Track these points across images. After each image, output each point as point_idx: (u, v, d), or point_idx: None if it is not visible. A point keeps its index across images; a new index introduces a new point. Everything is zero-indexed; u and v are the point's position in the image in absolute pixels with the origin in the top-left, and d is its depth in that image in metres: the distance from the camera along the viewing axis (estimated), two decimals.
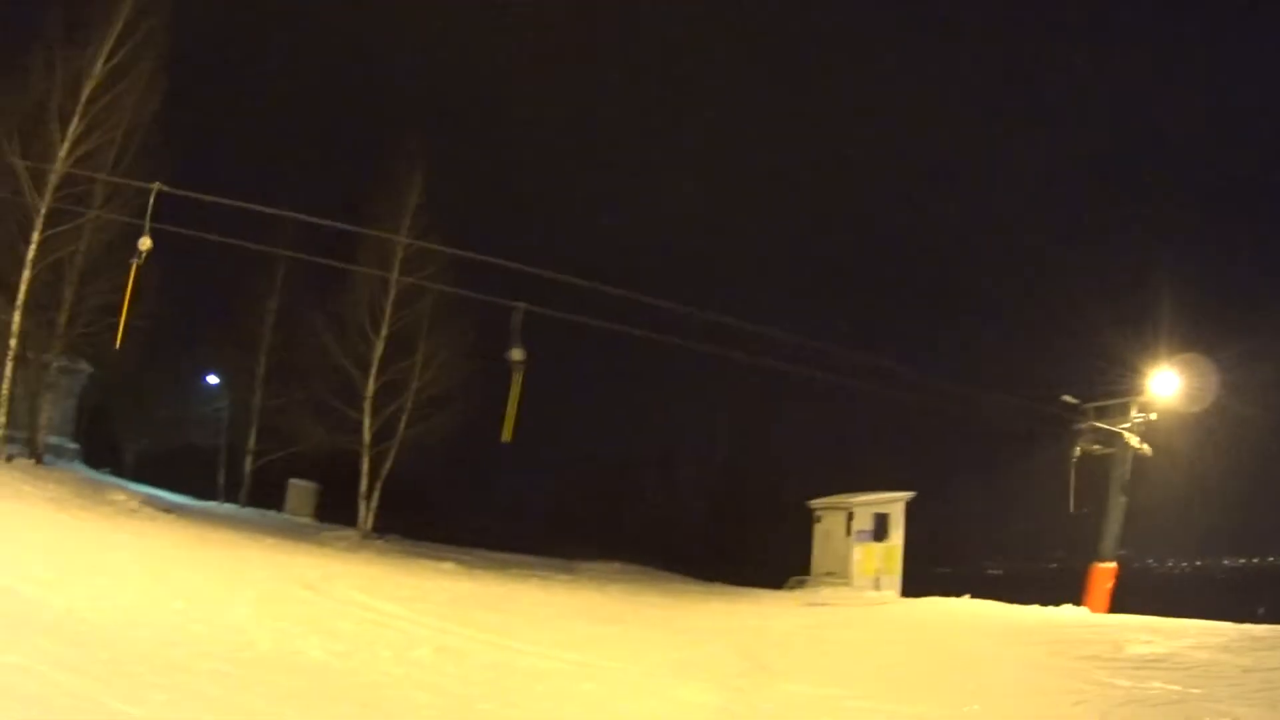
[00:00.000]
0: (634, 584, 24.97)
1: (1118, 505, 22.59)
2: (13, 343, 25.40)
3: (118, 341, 25.07)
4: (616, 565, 30.79)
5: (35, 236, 25.61)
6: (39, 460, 26.46)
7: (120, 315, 27.77)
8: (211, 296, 40.44)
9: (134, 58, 26.33)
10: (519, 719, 8.49)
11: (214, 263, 34.31)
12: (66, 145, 25.76)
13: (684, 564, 32.75)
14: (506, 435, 20.70)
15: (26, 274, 25.53)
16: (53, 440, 29.28)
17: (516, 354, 20.60)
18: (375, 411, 31.09)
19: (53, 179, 25.70)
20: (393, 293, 30.59)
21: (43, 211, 25.64)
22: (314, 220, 24.82)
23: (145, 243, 25.17)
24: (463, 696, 8.81)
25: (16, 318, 25.37)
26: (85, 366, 32.59)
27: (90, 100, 25.92)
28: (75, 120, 25.80)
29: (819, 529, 29.12)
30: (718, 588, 26.80)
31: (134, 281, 22.88)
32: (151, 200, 21.05)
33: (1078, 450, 23.44)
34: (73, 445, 32.88)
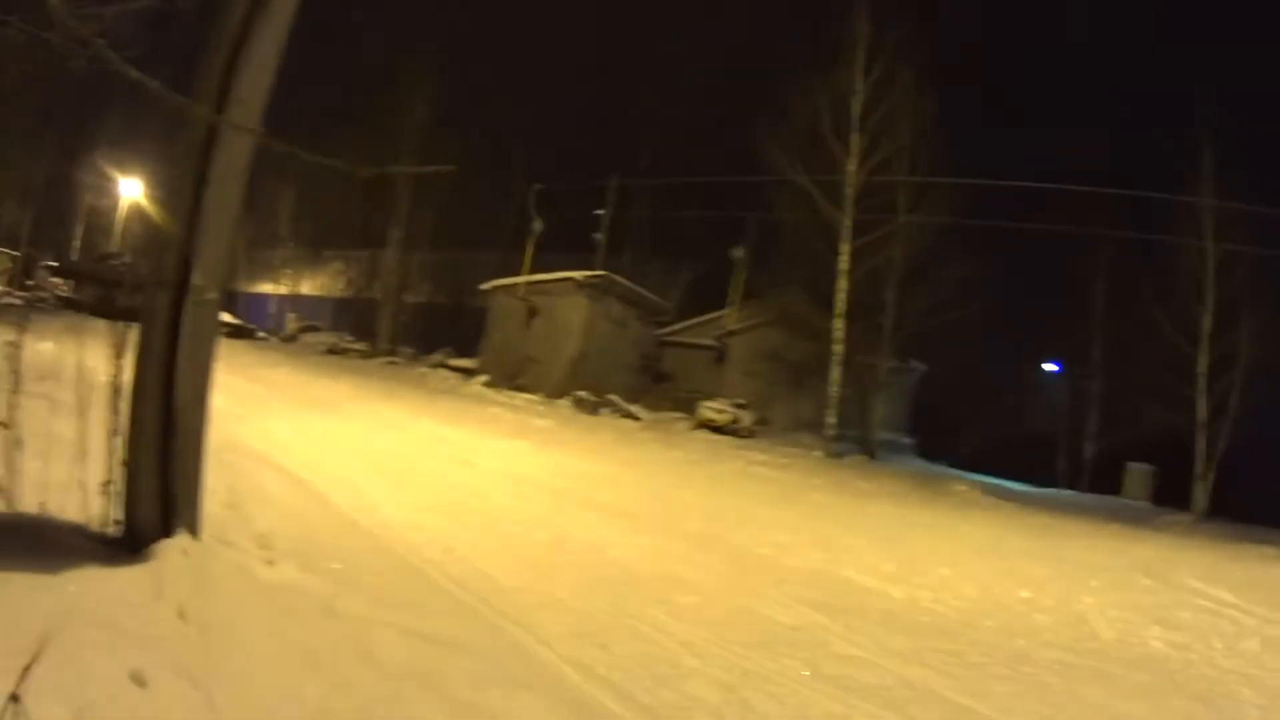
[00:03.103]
0: None
1: None
2: (837, 348, 26.71)
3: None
4: None
5: (844, 249, 26.89)
6: (871, 456, 27.30)
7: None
8: (1045, 284, 39.58)
9: (892, 70, 26.63)
10: None
11: (1046, 251, 33.85)
12: (855, 160, 26.84)
13: None
14: None
15: (843, 284, 26.85)
16: (886, 437, 30.29)
17: None
18: (1208, 387, 27.76)
19: (849, 193, 26.89)
20: (1211, 262, 27.20)
21: (847, 225, 26.86)
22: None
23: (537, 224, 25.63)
24: None
25: (838, 325, 26.70)
26: (918, 365, 33.53)
27: (864, 116, 26.78)
28: (855, 136, 26.80)
29: None
30: None
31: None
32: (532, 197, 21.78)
33: None
34: (907, 441, 33.97)
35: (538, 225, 36.12)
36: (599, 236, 35.09)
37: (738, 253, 26.91)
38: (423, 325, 42.91)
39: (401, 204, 40.58)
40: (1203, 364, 26.89)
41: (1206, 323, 26.70)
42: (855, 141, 26.83)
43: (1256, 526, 25.09)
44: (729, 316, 29.72)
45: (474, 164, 37.50)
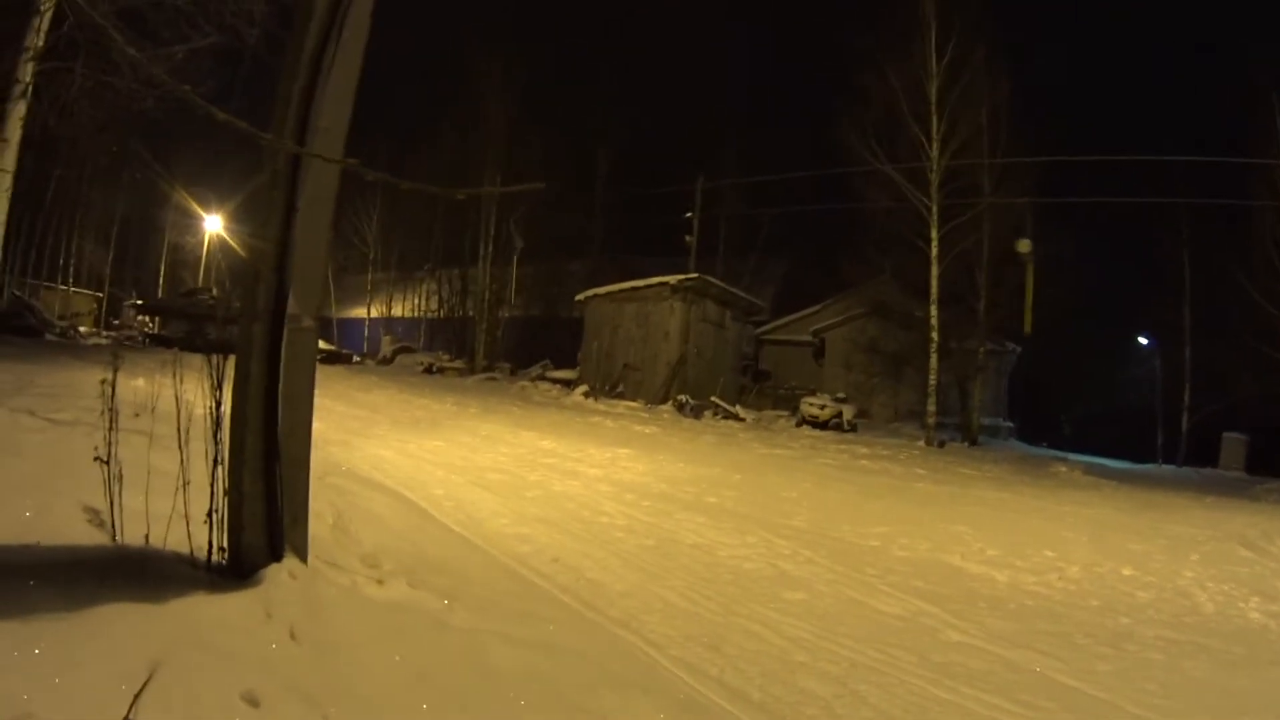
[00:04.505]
0: None
1: None
2: (934, 335, 26.48)
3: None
4: None
5: (933, 234, 26.87)
6: (973, 442, 27.13)
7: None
8: (1130, 255, 39.07)
9: (966, 49, 26.55)
10: None
11: (1130, 223, 33.66)
12: (936, 144, 26.79)
13: None
14: None
15: (934, 270, 26.78)
16: (986, 421, 30.02)
17: None
18: None
19: (933, 178, 26.87)
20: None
21: (934, 210, 26.85)
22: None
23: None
24: None
25: (933, 311, 26.56)
26: (1013, 346, 33.09)
27: (941, 98, 26.73)
28: (934, 120, 26.78)
29: None
30: None
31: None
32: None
33: None
34: (1007, 424, 33.60)
35: (519, 243, 37.00)
36: (690, 239, 35.23)
37: (1024, 247, 26.70)
38: (519, 339, 43.48)
39: (489, 219, 41.15)
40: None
41: None
42: (935, 125, 26.77)
43: None
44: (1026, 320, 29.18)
45: (559, 172, 38.11)
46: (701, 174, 36.81)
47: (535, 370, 34.71)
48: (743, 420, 26.30)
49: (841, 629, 6.48)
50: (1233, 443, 32.08)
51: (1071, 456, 27.21)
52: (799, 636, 6.20)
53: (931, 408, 26.05)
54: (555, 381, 31.69)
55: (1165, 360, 37.39)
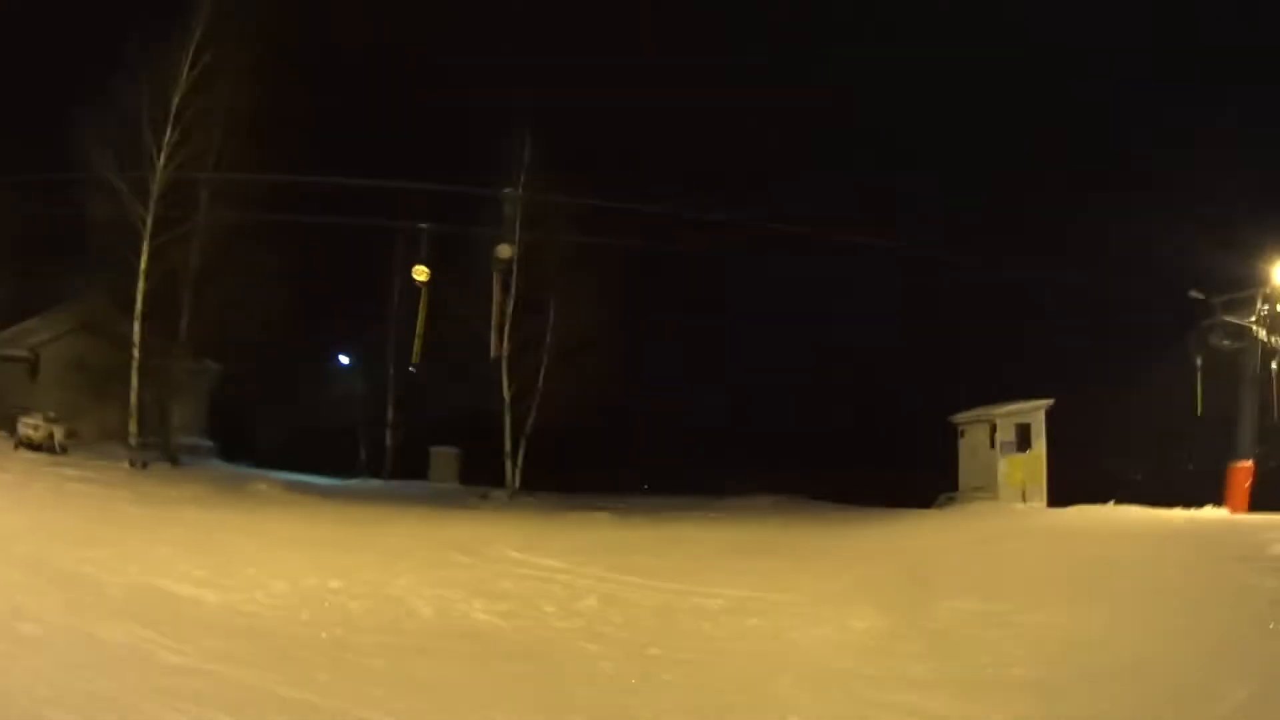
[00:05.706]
0: (787, 515, 24.19)
1: (1251, 402, 20.55)
2: (135, 353, 26.06)
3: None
4: (768, 499, 29.84)
5: (145, 247, 26.21)
6: (175, 462, 26.97)
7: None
8: (337, 277, 40.34)
9: (220, 63, 26.45)
10: (690, 659, 8.19)
11: (342, 243, 34.18)
12: (164, 154, 26.22)
13: (830, 485, 31.60)
14: None
15: (141, 285, 26.16)
16: (187, 441, 29.80)
17: None
18: (512, 369, 31.02)
19: (154, 189, 26.20)
20: (517, 250, 29.50)
21: (148, 222, 26.16)
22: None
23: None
24: (631, 643, 8.64)
25: (136, 329, 26.06)
26: (213, 365, 33.15)
27: (181, 108, 26.28)
28: (169, 130, 26.21)
29: (964, 444, 28.37)
30: (872, 512, 25.41)
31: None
32: None
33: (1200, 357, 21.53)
34: (208, 443, 33.43)
35: None
36: None
37: (421, 274, 25.80)
38: None
39: None
40: (505, 347, 29.37)
41: (510, 307, 29.52)
42: (168, 135, 26.20)
43: (575, 495, 28.31)
44: None
45: None
46: None
47: None
48: None
49: (73, 659, 6.47)
50: (443, 455, 34.53)
51: (273, 474, 27.82)
52: (38, 668, 6.10)
53: (133, 428, 25.54)
54: None
55: (368, 378, 39.54)
